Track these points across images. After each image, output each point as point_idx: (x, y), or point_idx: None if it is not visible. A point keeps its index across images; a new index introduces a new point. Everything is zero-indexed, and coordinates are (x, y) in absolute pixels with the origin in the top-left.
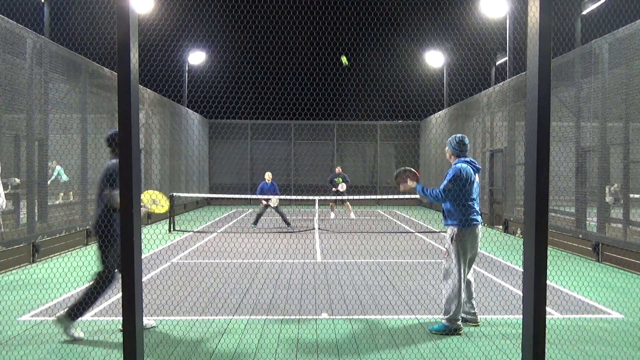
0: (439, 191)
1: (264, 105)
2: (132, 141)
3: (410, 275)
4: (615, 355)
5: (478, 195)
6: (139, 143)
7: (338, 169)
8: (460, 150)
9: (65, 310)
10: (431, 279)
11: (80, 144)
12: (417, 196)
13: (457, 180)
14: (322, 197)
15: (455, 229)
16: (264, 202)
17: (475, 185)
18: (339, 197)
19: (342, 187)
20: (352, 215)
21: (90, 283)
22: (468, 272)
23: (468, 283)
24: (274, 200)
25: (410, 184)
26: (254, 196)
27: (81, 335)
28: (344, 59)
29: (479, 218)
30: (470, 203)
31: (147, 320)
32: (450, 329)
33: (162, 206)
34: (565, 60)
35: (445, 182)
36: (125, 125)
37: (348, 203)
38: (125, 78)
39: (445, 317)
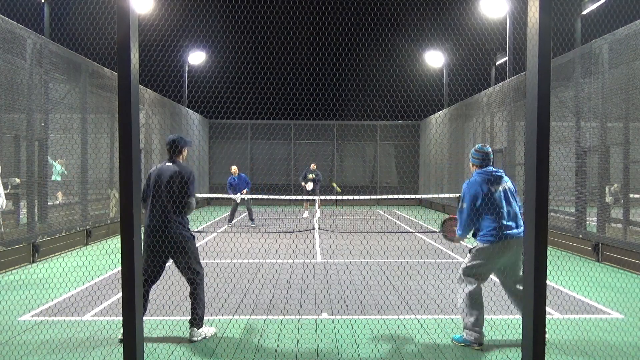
0: (460, 217)
1: (264, 105)
2: (132, 141)
3: (410, 275)
4: (615, 355)
5: (507, 206)
6: (139, 143)
7: (313, 166)
8: (477, 159)
9: (192, 324)
10: (431, 279)
11: (80, 144)
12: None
13: (465, 198)
14: (322, 197)
15: (476, 243)
16: (234, 198)
17: (497, 196)
18: (311, 197)
19: (309, 186)
20: (305, 215)
21: (193, 287)
22: (514, 294)
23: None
24: (237, 197)
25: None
26: (231, 195)
27: (212, 329)
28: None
29: (504, 233)
30: (487, 217)
31: (208, 330)
32: (466, 341)
33: None
34: (565, 60)
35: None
36: (125, 125)
37: (307, 203)
38: (125, 78)
39: (464, 328)
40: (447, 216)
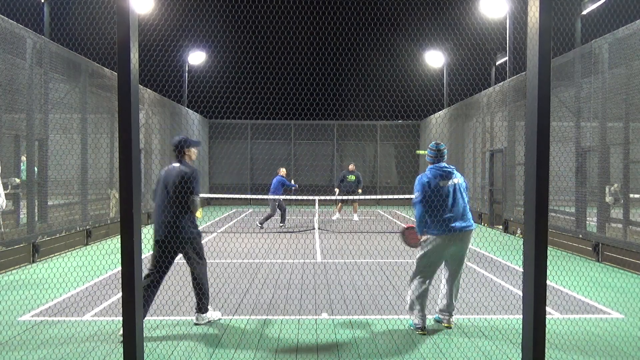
0: (416, 209)
1: (264, 105)
2: (132, 141)
3: (410, 275)
4: (615, 355)
5: (454, 200)
6: (139, 143)
7: (352, 166)
8: (430, 156)
9: (197, 311)
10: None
11: (80, 144)
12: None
13: (417, 188)
14: (322, 197)
15: (426, 236)
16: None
17: (445, 190)
18: (349, 197)
19: (338, 192)
20: (356, 217)
21: (195, 278)
22: (452, 279)
23: (451, 287)
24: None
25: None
26: (265, 196)
27: (218, 314)
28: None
29: (453, 226)
30: (435, 210)
31: (213, 313)
32: (415, 325)
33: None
34: (565, 60)
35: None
36: (125, 125)
37: (356, 204)
38: (125, 78)
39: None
40: (403, 226)
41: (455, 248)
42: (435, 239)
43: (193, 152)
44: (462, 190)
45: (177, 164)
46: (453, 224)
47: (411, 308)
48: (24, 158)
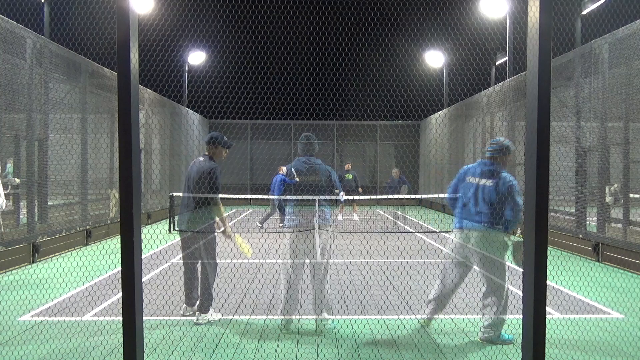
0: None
1: (264, 105)
2: (132, 141)
3: (410, 275)
4: (615, 355)
5: (479, 198)
6: (139, 143)
7: (348, 166)
8: (489, 150)
9: (198, 310)
10: (431, 279)
11: (80, 144)
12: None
13: (457, 175)
14: (322, 197)
15: None
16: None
17: (473, 187)
18: (349, 197)
19: (342, 195)
20: (356, 217)
21: (202, 277)
22: (457, 280)
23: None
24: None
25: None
26: (267, 197)
27: (218, 315)
28: None
29: (463, 223)
30: (459, 203)
31: (213, 314)
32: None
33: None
34: (565, 60)
35: None
36: (125, 125)
37: (355, 204)
38: (125, 78)
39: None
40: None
41: (471, 248)
42: (455, 232)
43: (223, 151)
44: (487, 192)
45: (201, 158)
46: (463, 220)
47: (430, 303)
48: (10, 164)
